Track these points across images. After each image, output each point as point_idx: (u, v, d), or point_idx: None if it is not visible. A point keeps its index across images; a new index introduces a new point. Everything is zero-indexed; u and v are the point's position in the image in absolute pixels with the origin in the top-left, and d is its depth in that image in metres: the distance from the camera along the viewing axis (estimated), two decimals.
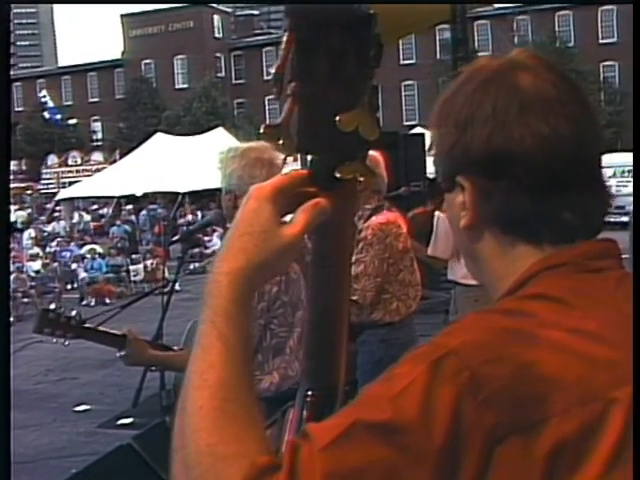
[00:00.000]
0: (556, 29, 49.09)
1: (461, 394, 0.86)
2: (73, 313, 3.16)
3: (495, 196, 1.01)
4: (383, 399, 0.87)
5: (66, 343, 3.10)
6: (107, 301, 15.49)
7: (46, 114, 54.54)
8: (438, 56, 49.15)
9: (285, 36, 0.90)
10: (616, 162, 24.10)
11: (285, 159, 1.04)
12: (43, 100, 53.59)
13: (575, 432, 0.87)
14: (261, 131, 0.93)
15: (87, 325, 3.16)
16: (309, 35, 0.90)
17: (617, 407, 0.89)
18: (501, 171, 1.00)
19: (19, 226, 26.28)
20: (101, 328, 3.19)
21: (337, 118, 0.91)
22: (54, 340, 3.07)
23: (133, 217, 25.69)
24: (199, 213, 25.75)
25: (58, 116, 54.04)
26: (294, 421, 1.10)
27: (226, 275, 0.94)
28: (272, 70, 0.91)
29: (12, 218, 30.35)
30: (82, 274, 16.78)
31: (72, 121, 56.59)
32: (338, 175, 0.94)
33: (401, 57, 54.13)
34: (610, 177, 26.71)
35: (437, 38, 48.70)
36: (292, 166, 1.02)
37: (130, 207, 26.70)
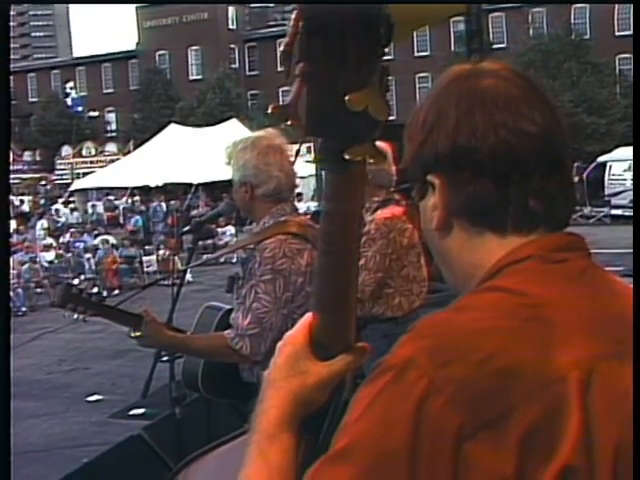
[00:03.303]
0: (572, 21, 48.80)
1: (421, 402, 0.88)
2: (94, 290, 3.17)
3: (462, 186, 1.04)
4: (348, 425, 0.92)
5: (86, 319, 3.11)
6: (116, 292, 15.49)
7: (68, 101, 54.81)
8: (453, 48, 48.94)
9: (293, 14, 0.89)
10: (630, 156, 23.88)
11: (299, 150, 1.01)
12: (68, 91, 53.91)
13: (541, 416, 0.88)
14: (269, 111, 0.92)
15: (106, 304, 3.16)
16: (317, 13, 0.88)
17: (579, 385, 0.91)
18: (466, 161, 1.03)
19: (29, 215, 26.37)
20: (119, 307, 3.19)
21: (346, 97, 0.89)
22: (75, 316, 3.09)
23: (146, 208, 25.75)
24: (209, 203, 25.76)
25: (80, 108, 54.29)
26: None
27: (276, 408, 1.04)
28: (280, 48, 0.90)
29: (26, 208, 30.52)
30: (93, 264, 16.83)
31: (94, 113, 56.78)
32: (347, 157, 0.93)
33: (415, 49, 53.95)
34: (625, 170, 26.56)
35: (452, 30, 48.49)
36: (305, 156, 1.00)
37: (144, 198, 26.78)
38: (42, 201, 33.82)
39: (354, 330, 1.08)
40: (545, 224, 1.05)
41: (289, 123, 0.91)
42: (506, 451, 0.87)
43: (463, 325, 0.94)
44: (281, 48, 0.89)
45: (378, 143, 3.68)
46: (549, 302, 0.96)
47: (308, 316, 1.09)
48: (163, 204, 25.55)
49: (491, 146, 1.02)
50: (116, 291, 15.63)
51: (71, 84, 55.27)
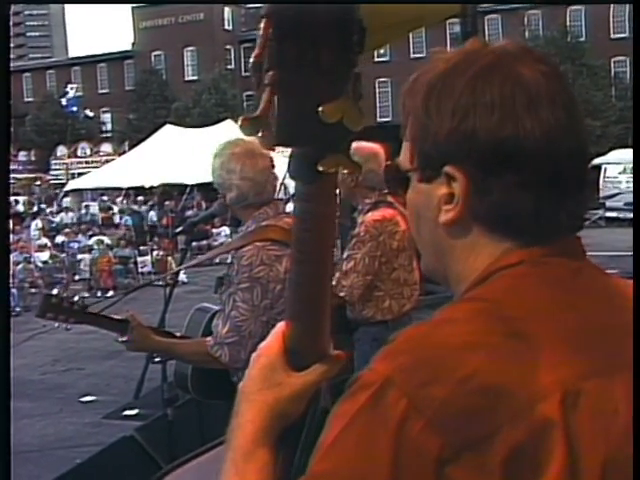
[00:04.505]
0: (567, 24, 48.84)
1: (401, 424, 0.84)
2: (76, 298, 3.18)
3: (493, 190, 0.95)
4: (325, 446, 0.88)
5: (68, 327, 3.12)
6: (110, 293, 15.47)
7: (63, 101, 54.76)
8: (449, 50, 48.97)
9: (262, 22, 0.86)
10: (626, 158, 23.95)
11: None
12: (68, 90, 53.87)
13: (526, 437, 0.84)
14: (239, 124, 0.88)
15: (89, 310, 3.16)
16: (287, 21, 0.85)
17: (562, 406, 0.86)
18: (506, 163, 0.94)
19: (23, 215, 26.33)
20: (103, 313, 3.19)
21: (320, 109, 0.86)
22: (56, 325, 3.09)
23: (142, 208, 25.73)
24: (203, 204, 25.74)
25: (75, 108, 54.22)
26: None
27: (252, 422, 1.02)
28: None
29: (20, 208, 30.45)
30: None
31: (90, 114, 56.74)
32: (321, 168, 0.90)
33: (411, 51, 53.97)
34: (620, 173, 26.62)
35: (447, 32, 48.53)
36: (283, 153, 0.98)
37: (139, 198, 26.75)
38: (36, 202, 33.72)
39: (329, 338, 1.05)
40: (567, 231, 1.00)
41: (260, 134, 0.88)
42: (489, 474, 0.83)
43: (444, 340, 0.88)
44: (251, 59, 0.87)
45: (371, 145, 3.67)
46: (535, 314, 0.91)
47: (281, 325, 1.06)
48: (157, 204, 25.56)
49: (536, 148, 0.94)
50: (110, 292, 15.59)
51: (72, 85, 55.25)
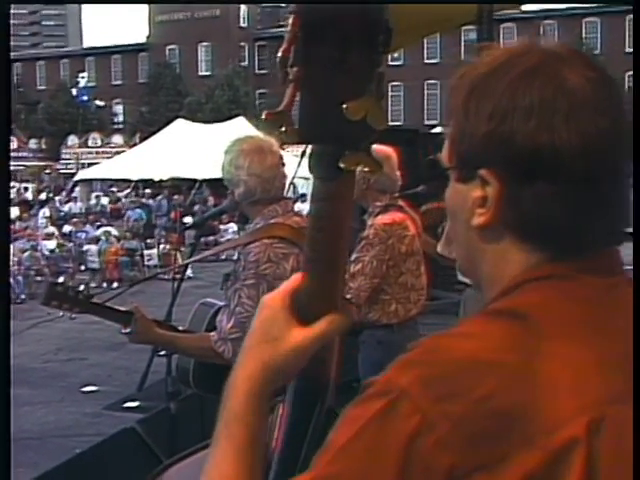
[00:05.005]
0: (583, 35, 48.78)
1: (413, 438, 0.82)
2: (81, 288, 3.18)
3: (526, 198, 0.92)
4: (334, 448, 0.86)
5: (73, 317, 3.12)
6: (115, 285, 15.46)
7: (74, 91, 54.91)
8: (463, 57, 48.95)
9: (291, 19, 0.85)
10: None
11: (304, 152, 0.97)
12: (78, 79, 54.03)
13: (542, 464, 0.81)
14: (263, 118, 0.89)
15: (94, 301, 3.17)
16: (315, 18, 0.84)
17: (586, 434, 0.83)
18: (540, 172, 0.90)
19: (32, 203, 26.37)
20: (108, 304, 3.20)
21: (344, 106, 0.85)
22: (60, 314, 3.10)
23: (150, 201, 25.76)
24: (211, 200, 25.74)
25: (85, 97, 54.36)
26: (284, 416, 1.09)
27: (244, 381, 0.99)
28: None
29: (29, 196, 30.51)
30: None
31: (100, 103, 56.85)
32: (342, 165, 0.90)
33: (425, 55, 53.96)
34: None
35: (462, 39, 48.49)
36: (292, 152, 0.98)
37: (148, 191, 26.78)
38: (45, 190, 33.77)
39: (339, 343, 1.05)
40: (603, 246, 0.95)
41: (283, 129, 0.88)
42: None
43: (465, 355, 0.85)
44: (278, 54, 0.86)
45: (384, 148, 3.67)
46: (561, 334, 0.88)
47: (292, 279, 1.03)
48: (166, 198, 25.58)
49: (572, 158, 0.89)
50: (115, 284, 15.58)
51: (84, 74, 55.46)
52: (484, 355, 0.85)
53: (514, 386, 0.83)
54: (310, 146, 0.93)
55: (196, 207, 24.37)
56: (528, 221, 0.93)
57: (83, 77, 54.93)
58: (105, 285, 15.49)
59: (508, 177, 0.92)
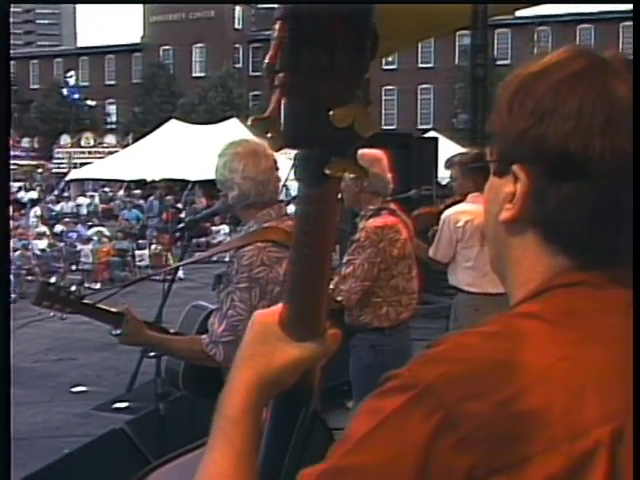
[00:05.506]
0: (577, 41, 48.93)
1: (434, 436, 0.81)
2: (72, 288, 3.18)
3: (551, 198, 0.93)
4: (354, 439, 0.85)
5: (64, 317, 3.11)
6: (99, 286, 15.38)
7: (64, 91, 54.85)
8: (457, 62, 49.06)
9: (277, 24, 0.84)
10: None
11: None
12: (67, 78, 53.96)
13: (562, 470, 0.81)
14: (249, 123, 0.88)
15: (85, 301, 3.16)
16: (302, 24, 0.84)
17: (610, 441, 0.83)
18: (568, 176, 0.91)
19: (23, 202, 26.33)
20: (99, 305, 3.19)
21: (331, 112, 0.84)
22: (51, 314, 3.10)
23: (142, 202, 25.72)
24: (204, 201, 25.73)
25: (76, 95, 54.30)
26: (267, 421, 1.07)
27: (239, 391, 0.99)
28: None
29: (20, 195, 30.43)
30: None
31: (92, 103, 56.79)
32: (328, 172, 0.89)
33: (419, 60, 54.04)
34: None
35: (457, 43, 48.59)
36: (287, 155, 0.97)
37: (139, 192, 26.75)
38: (37, 189, 33.71)
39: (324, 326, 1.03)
40: (627, 261, 0.94)
41: (269, 135, 0.88)
42: None
43: (493, 355, 0.85)
44: (265, 60, 0.86)
45: (373, 151, 3.68)
46: (589, 340, 0.88)
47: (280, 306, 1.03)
48: (158, 199, 25.55)
49: (602, 169, 0.90)
50: (99, 285, 15.51)
51: (72, 73, 55.36)
52: (512, 356, 0.85)
53: (540, 389, 0.83)
54: (296, 151, 0.92)
55: (189, 208, 24.35)
56: (553, 221, 0.94)
57: (72, 76, 54.80)
58: (99, 286, 15.46)
59: (537, 174, 0.94)
